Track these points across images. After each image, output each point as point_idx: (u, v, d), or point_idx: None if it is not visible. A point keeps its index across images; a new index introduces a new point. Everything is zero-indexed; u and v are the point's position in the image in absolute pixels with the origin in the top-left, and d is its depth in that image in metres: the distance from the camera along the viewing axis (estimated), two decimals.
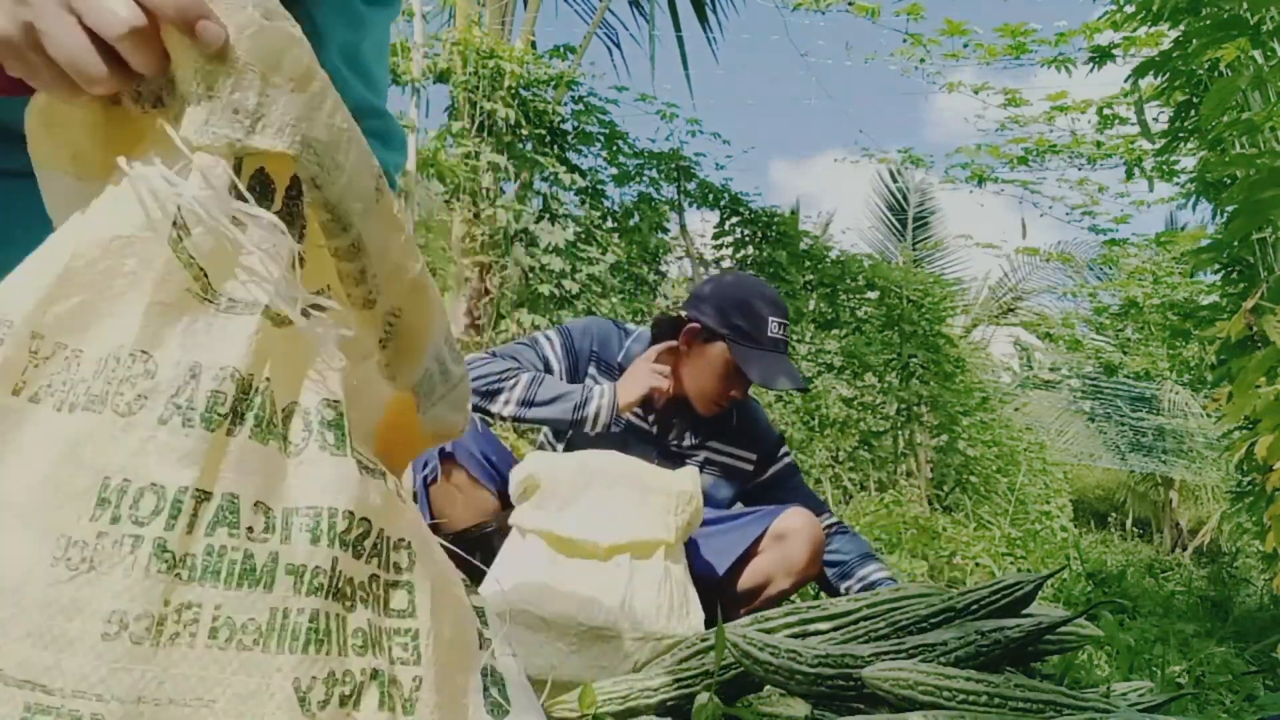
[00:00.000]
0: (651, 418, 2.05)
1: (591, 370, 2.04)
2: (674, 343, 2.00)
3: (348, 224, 0.58)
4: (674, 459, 2.03)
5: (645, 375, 1.93)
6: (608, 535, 1.52)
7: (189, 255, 0.53)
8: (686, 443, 2.08)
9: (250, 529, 0.53)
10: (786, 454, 2.19)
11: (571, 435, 2.01)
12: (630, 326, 2.14)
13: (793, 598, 2.00)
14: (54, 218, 0.58)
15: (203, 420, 0.52)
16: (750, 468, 2.14)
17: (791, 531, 1.93)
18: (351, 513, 0.56)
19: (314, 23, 0.87)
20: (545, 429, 2.11)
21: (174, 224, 0.53)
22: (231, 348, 0.54)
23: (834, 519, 2.11)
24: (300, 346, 0.58)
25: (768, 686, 1.22)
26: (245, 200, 0.55)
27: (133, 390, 0.51)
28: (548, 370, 1.99)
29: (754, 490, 2.17)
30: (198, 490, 0.51)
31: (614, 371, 2.04)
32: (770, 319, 1.96)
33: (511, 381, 1.88)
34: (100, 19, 0.52)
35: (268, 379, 0.56)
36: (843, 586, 2.01)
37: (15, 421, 0.51)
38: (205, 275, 0.54)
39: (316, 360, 0.58)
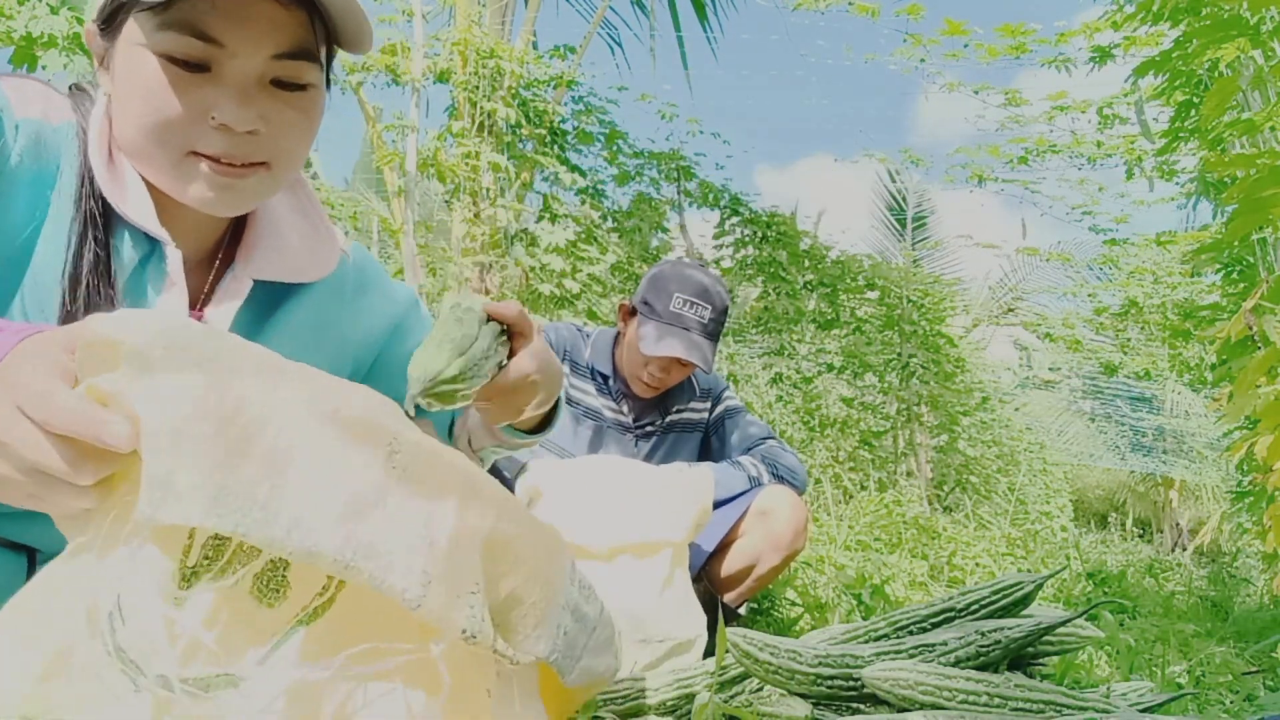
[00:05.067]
0: (626, 406, 2.12)
1: (565, 370, 2.10)
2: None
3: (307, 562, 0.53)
4: (648, 437, 2.12)
5: None
6: (609, 538, 1.52)
7: (120, 649, 0.51)
8: (656, 420, 2.15)
9: None
10: (731, 396, 2.28)
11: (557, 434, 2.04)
12: (588, 330, 2.22)
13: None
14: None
15: None
16: (706, 414, 2.23)
17: (774, 508, 1.95)
18: None
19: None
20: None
21: (109, 615, 0.51)
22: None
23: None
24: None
25: (768, 686, 1.22)
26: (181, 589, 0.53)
27: None
28: None
29: (707, 430, 2.25)
30: None
31: (582, 369, 2.11)
32: (677, 295, 1.99)
33: None
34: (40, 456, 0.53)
35: None
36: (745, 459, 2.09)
37: None
38: (138, 668, 0.52)
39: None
